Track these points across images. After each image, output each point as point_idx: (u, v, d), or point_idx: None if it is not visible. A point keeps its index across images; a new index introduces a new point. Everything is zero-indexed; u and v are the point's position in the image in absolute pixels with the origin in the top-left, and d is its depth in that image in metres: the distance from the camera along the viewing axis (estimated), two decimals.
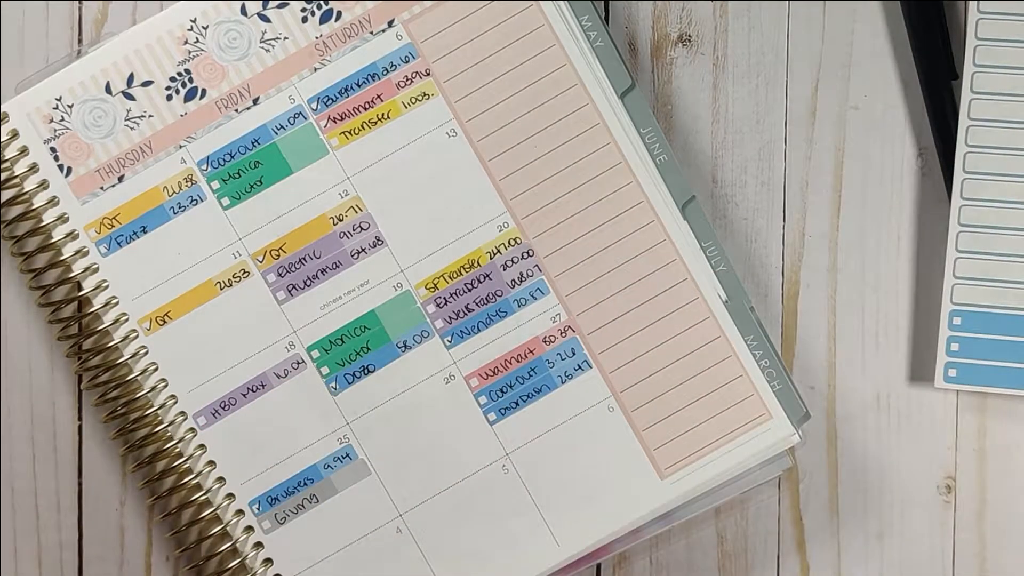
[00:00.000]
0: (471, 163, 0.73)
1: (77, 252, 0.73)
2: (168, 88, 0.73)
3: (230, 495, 0.73)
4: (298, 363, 0.73)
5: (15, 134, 0.73)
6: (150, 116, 0.73)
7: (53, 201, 0.73)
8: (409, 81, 0.73)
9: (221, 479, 0.73)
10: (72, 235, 0.73)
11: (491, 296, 0.73)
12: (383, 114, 0.73)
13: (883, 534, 0.75)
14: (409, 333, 0.73)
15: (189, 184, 0.73)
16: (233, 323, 0.73)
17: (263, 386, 0.73)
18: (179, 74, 0.73)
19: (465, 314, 0.73)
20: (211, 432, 0.73)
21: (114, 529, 0.76)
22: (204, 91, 0.73)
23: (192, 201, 0.73)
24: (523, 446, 0.73)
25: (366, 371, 0.73)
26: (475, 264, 0.73)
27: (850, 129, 0.75)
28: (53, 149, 0.73)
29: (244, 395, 0.73)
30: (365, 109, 0.73)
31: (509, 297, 0.73)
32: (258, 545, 0.73)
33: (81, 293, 0.73)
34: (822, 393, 0.75)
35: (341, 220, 0.73)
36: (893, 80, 0.75)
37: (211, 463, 0.73)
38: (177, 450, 0.73)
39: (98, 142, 0.73)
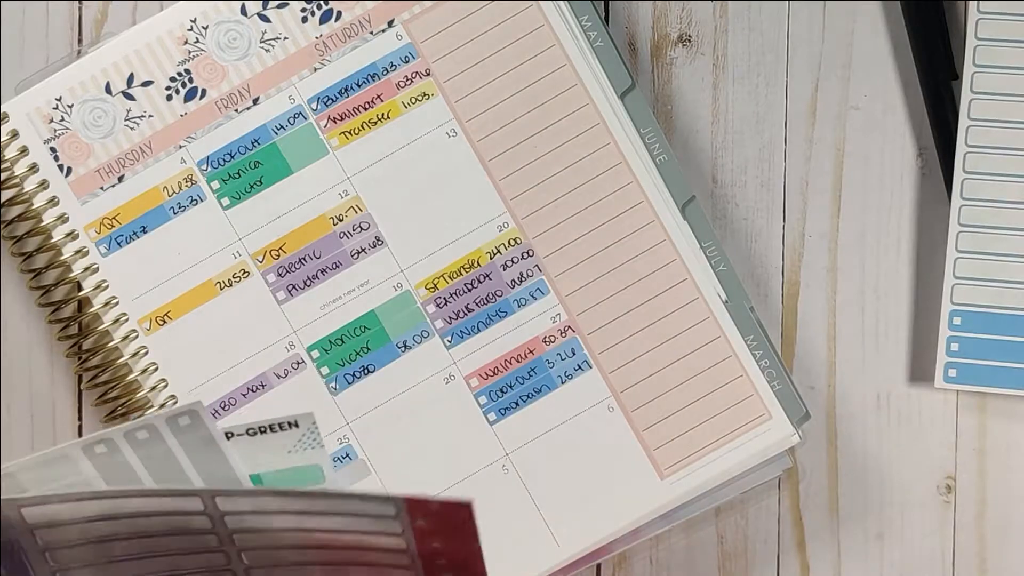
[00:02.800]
0: (471, 163, 0.73)
1: (77, 252, 0.73)
2: (168, 88, 0.73)
3: None
4: (298, 363, 0.73)
5: (15, 134, 0.73)
6: (150, 116, 0.73)
7: (53, 201, 0.73)
8: (409, 81, 0.73)
9: None
10: (72, 235, 0.73)
11: (491, 296, 0.73)
12: (383, 114, 0.73)
13: (883, 534, 0.75)
14: (409, 333, 0.73)
15: (189, 184, 0.73)
16: (233, 323, 0.73)
17: (263, 386, 0.73)
18: (179, 74, 0.73)
19: (465, 314, 0.73)
20: None
21: None
22: (204, 91, 0.73)
23: (192, 201, 0.73)
24: (523, 446, 0.73)
25: (366, 371, 0.73)
26: (475, 264, 0.73)
27: (850, 129, 0.75)
28: (53, 149, 0.73)
29: (244, 395, 0.73)
30: (365, 109, 0.73)
31: (509, 297, 0.73)
32: None
33: (81, 293, 0.73)
34: (822, 393, 0.75)
35: (341, 220, 0.73)
36: (893, 80, 0.75)
37: None
38: None
39: (98, 142, 0.73)
